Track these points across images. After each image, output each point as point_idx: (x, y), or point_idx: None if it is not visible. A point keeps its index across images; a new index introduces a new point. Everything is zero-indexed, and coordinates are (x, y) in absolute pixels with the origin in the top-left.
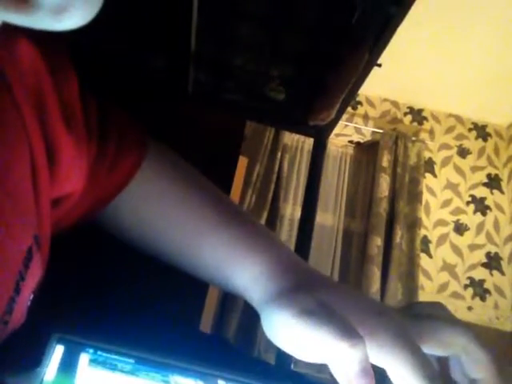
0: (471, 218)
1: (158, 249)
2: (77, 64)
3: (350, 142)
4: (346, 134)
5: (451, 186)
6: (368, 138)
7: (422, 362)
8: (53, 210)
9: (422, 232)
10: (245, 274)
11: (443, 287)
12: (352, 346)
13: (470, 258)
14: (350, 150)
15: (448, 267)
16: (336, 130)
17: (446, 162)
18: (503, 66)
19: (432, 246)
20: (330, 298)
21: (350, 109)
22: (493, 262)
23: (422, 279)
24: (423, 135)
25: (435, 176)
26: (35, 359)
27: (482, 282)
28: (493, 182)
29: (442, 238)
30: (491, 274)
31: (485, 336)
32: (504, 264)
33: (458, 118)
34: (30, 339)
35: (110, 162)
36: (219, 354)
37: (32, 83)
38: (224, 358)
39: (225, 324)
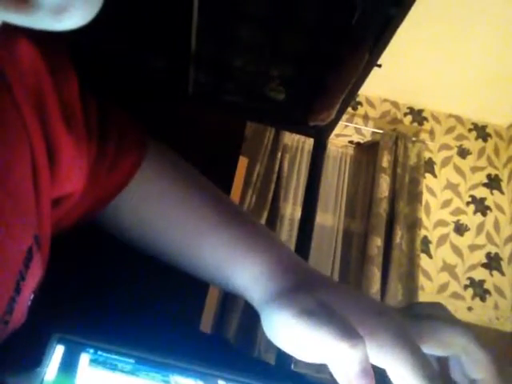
0: (471, 219)
1: (158, 249)
2: (77, 64)
3: (350, 142)
4: (346, 134)
5: (451, 187)
6: (368, 138)
7: (422, 362)
8: (53, 210)
9: (422, 232)
10: (245, 273)
11: (443, 288)
12: (352, 347)
13: (470, 258)
14: (350, 151)
15: (448, 268)
16: (336, 131)
17: (446, 162)
18: (503, 66)
19: (432, 247)
20: (330, 297)
21: (350, 109)
22: (493, 263)
23: (422, 280)
24: (423, 135)
25: (435, 176)
26: (35, 359)
27: (482, 282)
28: (493, 183)
29: (442, 239)
30: (491, 275)
31: (485, 336)
32: (504, 264)
33: (458, 119)
34: (30, 339)
35: (110, 162)
36: (219, 354)
37: (32, 83)
38: (224, 358)
39: (225, 324)
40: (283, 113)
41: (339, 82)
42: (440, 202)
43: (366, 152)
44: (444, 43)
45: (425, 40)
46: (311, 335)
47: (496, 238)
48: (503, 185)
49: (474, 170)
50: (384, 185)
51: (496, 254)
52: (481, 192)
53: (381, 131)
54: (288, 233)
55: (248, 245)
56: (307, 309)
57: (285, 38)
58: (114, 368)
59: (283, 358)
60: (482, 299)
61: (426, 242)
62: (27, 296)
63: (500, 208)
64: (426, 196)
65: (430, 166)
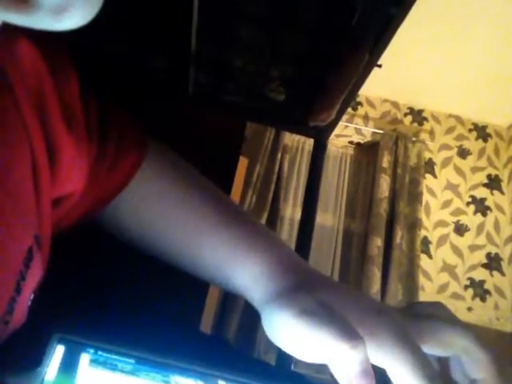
0: (471, 219)
1: (158, 249)
2: (77, 64)
3: (350, 142)
4: (346, 134)
5: (451, 187)
6: (368, 138)
7: (422, 362)
8: (53, 210)
9: (423, 233)
10: (245, 273)
11: (443, 288)
12: (352, 347)
13: (470, 258)
14: (350, 151)
15: (448, 268)
16: (336, 131)
17: (446, 162)
18: (503, 66)
19: (432, 247)
20: (330, 297)
21: (350, 109)
22: (493, 263)
23: (422, 280)
24: (423, 136)
25: (435, 177)
26: (36, 359)
27: (482, 282)
28: (493, 183)
29: (442, 239)
30: (491, 275)
31: (485, 337)
32: (504, 265)
33: (459, 119)
34: (30, 339)
35: (110, 162)
36: (219, 354)
37: (33, 84)
38: (224, 358)
39: (225, 324)
40: (283, 113)
41: (339, 83)
42: (440, 202)
43: (366, 152)
44: (444, 43)
45: (425, 40)
46: (311, 335)
47: (496, 238)
48: (503, 185)
49: (474, 170)
50: (384, 185)
51: (496, 254)
52: (481, 192)
53: (381, 131)
54: (288, 233)
55: (248, 244)
56: (307, 309)
57: (285, 38)
58: (114, 368)
59: (283, 358)
60: (482, 299)
61: (426, 242)
62: (27, 296)
63: (500, 208)
64: (426, 196)
65: (430, 166)
